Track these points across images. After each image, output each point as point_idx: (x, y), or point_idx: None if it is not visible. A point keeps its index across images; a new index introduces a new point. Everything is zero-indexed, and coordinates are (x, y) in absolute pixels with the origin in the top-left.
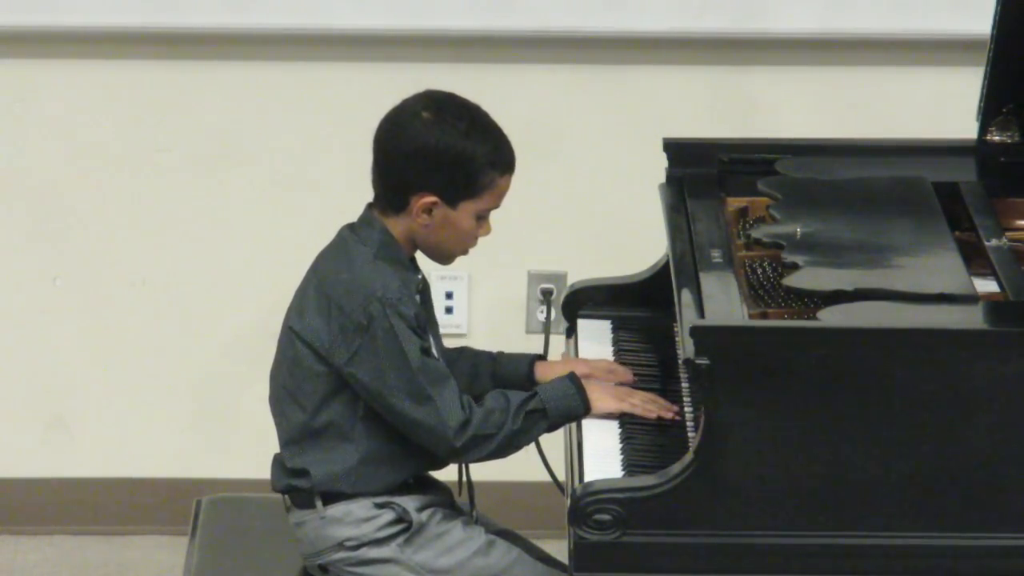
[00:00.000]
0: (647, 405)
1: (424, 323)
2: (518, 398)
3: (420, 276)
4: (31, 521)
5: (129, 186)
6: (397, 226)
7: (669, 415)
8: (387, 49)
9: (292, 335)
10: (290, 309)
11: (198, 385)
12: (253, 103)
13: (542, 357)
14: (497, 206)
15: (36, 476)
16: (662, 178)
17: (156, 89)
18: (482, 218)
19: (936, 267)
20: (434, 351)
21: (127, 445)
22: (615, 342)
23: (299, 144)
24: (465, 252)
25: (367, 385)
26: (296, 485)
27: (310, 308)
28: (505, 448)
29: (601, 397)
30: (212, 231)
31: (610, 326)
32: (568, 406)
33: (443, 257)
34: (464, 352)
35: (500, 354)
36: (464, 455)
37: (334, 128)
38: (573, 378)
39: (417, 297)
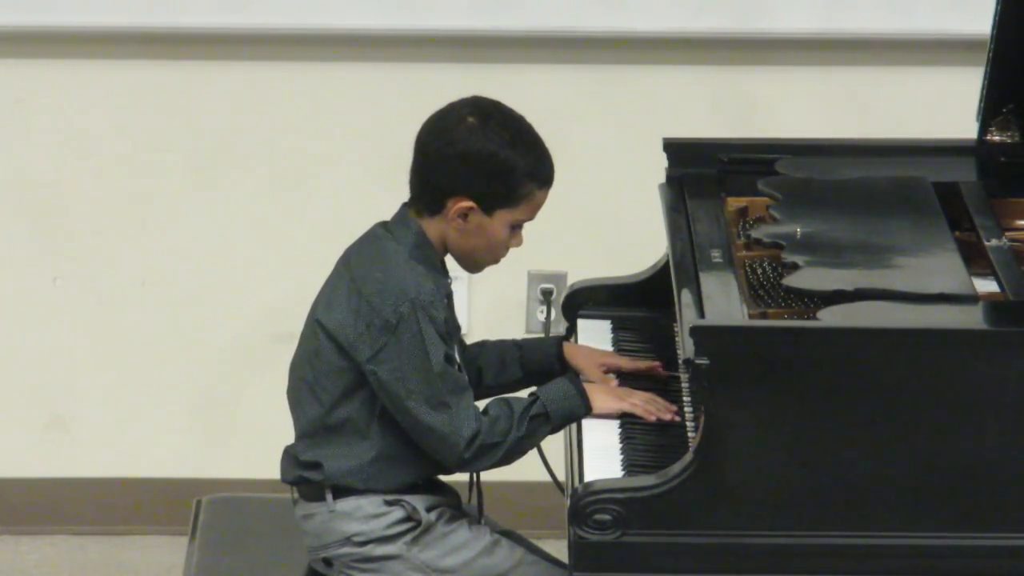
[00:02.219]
0: (647, 406)
1: (452, 329)
2: (520, 404)
3: (450, 281)
4: (31, 521)
5: (129, 186)
6: (431, 228)
7: (668, 416)
8: (387, 49)
9: (317, 327)
10: (317, 303)
11: (198, 385)
12: (253, 103)
13: (565, 337)
14: (532, 218)
15: (36, 476)
16: (662, 178)
17: (156, 89)
18: (515, 228)
19: (936, 267)
20: (457, 358)
21: (127, 445)
22: (615, 342)
23: (299, 144)
24: (496, 262)
25: (386, 385)
26: (307, 477)
27: (340, 302)
28: (511, 455)
29: (602, 398)
30: (212, 231)
31: (610, 326)
32: (569, 408)
33: (473, 265)
34: (486, 344)
35: (523, 340)
36: (472, 465)
37: (334, 128)
38: (573, 379)
39: (445, 301)
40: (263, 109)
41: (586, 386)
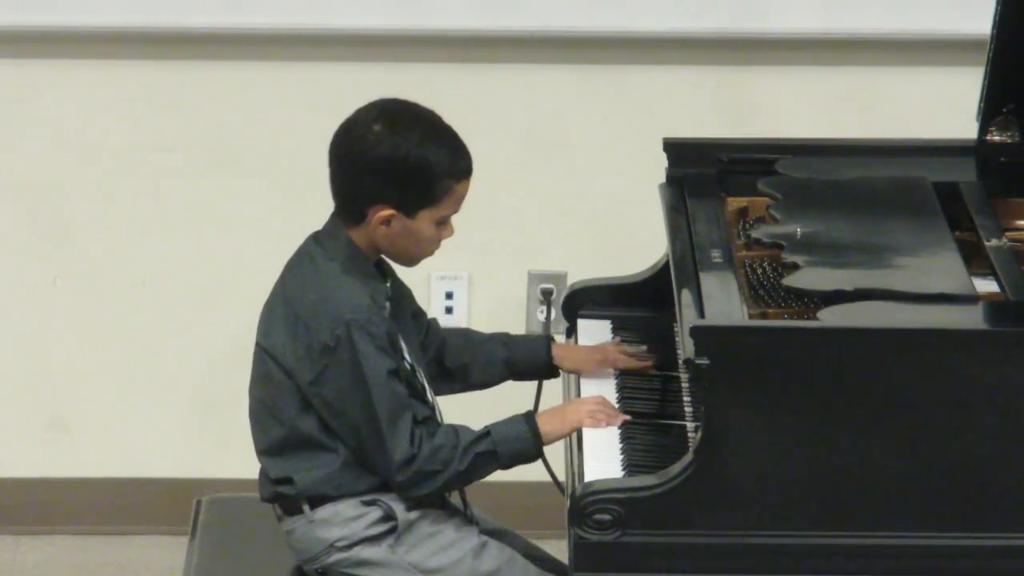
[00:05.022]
0: (595, 416)
1: (396, 336)
2: (468, 437)
3: (389, 283)
4: (31, 521)
5: (129, 186)
6: (359, 236)
7: (617, 422)
8: (387, 49)
9: (261, 351)
10: (259, 323)
11: (198, 385)
12: (253, 103)
13: (554, 338)
14: (457, 211)
15: (36, 476)
16: (662, 178)
17: (156, 89)
18: (443, 223)
19: (936, 267)
20: (407, 356)
21: (127, 445)
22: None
23: (299, 144)
24: (430, 255)
25: (331, 404)
26: (282, 492)
27: (277, 325)
28: (451, 485)
29: (548, 428)
30: (212, 231)
31: (610, 326)
32: (520, 449)
33: (408, 262)
34: (470, 338)
35: (509, 338)
36: (408, 489)
37: (333, 128)
38: (529, 419)
39: (388, 305)
40: (263, 109)
41: (539, 418)
